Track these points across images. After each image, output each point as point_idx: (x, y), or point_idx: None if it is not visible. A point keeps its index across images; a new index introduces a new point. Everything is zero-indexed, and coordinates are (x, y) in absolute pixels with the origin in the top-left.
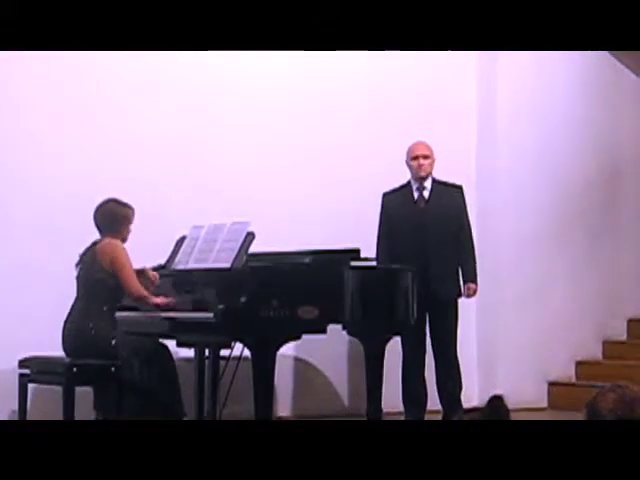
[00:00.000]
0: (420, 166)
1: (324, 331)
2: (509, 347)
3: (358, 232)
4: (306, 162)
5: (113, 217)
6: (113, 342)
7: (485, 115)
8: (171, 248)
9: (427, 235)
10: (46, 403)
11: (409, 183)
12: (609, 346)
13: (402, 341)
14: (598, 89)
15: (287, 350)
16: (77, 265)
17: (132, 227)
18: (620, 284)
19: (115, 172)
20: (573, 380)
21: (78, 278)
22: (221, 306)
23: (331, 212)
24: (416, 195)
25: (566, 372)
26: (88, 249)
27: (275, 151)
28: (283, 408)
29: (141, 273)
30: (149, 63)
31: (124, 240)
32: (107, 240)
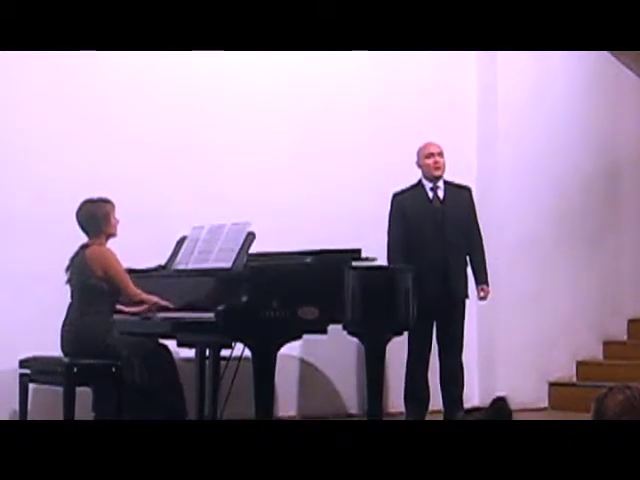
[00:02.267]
0: (436, 163)
1: (325, 331)
2: (510, 347)
3: (358, 232)
4: (306, 162)
5: (93, 218)
6: (109, 341)
7: (485, 115)
8: (171, 249)
9: (445, 234)
10: (47, 403)
11: (420, 183)
12: (610, 346)
13: (409, 340)
14: (598, 89)
15: (288, 350)
16: (67, 269)
17: (118, 218)
18: (620, 284)
19: (115, 173)
20: (574, 380)
21: (70, 282)
22: (222, 306)
23: (332, 212)
24: (431, 195)
25: (567, 372)
26: (77, 254)
27: (275, 151)
28: (284, 408)
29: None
30: (148, 63)
31: (112, 234)
32: (94, 246)
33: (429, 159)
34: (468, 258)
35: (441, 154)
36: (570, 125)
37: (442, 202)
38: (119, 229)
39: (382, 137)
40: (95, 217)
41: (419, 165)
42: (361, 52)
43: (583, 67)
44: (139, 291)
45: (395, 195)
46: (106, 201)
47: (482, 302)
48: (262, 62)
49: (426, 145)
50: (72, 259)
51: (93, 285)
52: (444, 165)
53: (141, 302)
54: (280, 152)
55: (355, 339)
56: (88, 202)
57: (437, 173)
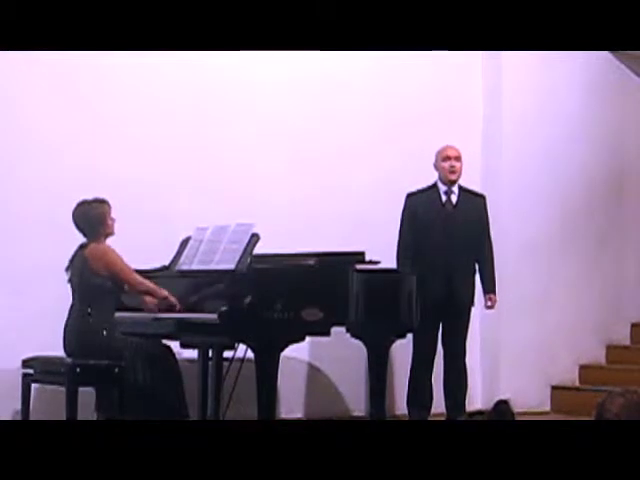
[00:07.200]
0: (453, 167)
1: (328, 333)
2: (512, 351)
3: (363, 234)
4: (311, 164)
5: (88, 219)
6: (111, 342)
7: (490, 118)
8: (175, 249)
9: (454, 239)
10: (49, 403)
11: (435, 185)
12: (613, 350)
13: (414, 343)
14: (604, 92)
15: (293, 352)
16: (67, 269)
17: (120, 217)
18: (624, 288)
19: (118, 173)
20: (577, 384)
21: (71, 282)
22: (225, 307)
23: (336, 214)
24: (444, 198)
25: (569, 376)
26: (76, 254)
27: (279, 152)
28: (288, 410)
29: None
30: (151, 63)
31: (109, 234)
32: (93, 245)
33: (446, 162)
34: (477, 266)
35: (458, 158)
36: (575, 128)
37: (454, 207)
38: (123, 229)
39: (386, 138)
40: (90, 218)
41: (436, 167)
42: (365, 52)
43: (588, 70)
44: (146, 281)
45: (409, 195)
46: (101, 201)
47: (489, 310)
48: (264, 62)
49: (445, 148)
50: (71, 260)
51: (95, 285)
52: (460, 170)
53: (147, 292)
54: (284, 153)
55: (358, 341)
56: (83, 203)
57: (452, 177)
